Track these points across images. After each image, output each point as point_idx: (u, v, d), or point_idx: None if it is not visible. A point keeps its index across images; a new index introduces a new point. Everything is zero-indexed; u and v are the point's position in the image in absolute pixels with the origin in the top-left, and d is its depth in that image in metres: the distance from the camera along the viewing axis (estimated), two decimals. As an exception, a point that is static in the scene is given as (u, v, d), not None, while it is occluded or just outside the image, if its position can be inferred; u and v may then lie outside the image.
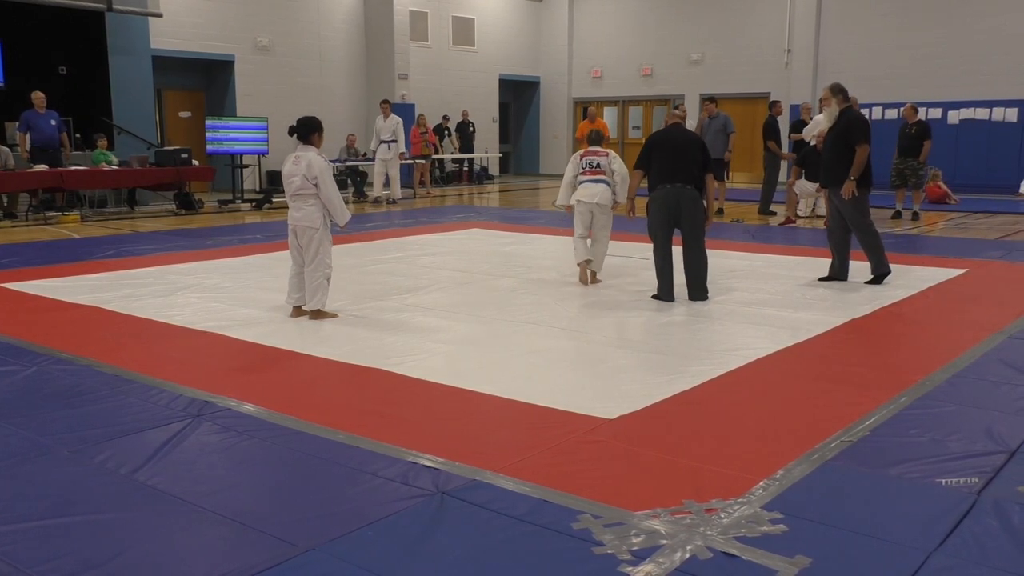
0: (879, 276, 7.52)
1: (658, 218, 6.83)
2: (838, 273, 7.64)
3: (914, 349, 5.49)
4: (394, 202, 15.75)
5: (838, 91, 7.49)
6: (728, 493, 3.20)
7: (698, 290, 6.85)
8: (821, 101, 11.58)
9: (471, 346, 5.47)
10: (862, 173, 7.29)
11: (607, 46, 22.62)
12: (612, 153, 7.81)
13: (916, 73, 17.87)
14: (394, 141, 15.55)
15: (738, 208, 13.79)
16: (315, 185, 6.03)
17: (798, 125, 13.40)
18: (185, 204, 13.78)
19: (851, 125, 7.33)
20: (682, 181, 6.74)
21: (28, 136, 12.75)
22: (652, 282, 7.15)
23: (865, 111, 14.53)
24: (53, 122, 12.97)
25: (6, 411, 4.18)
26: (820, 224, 11.93)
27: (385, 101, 15.99)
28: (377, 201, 15.81)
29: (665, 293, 6.81)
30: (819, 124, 11.93)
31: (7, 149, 12.63)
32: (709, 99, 13.65)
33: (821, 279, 7.68)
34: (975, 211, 14.05)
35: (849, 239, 7.63)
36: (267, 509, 3.12)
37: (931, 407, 4.22)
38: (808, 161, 11.64)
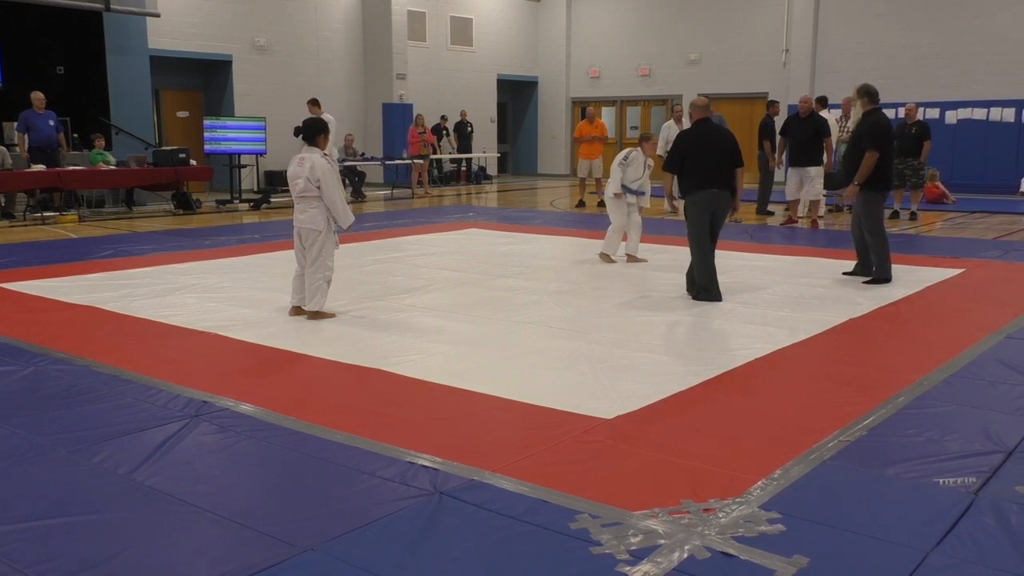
0: (878, 280, 7.55)
1: (702, 222, 6.84)
2: (860, 271, 7.78)
3: (912, 349, 5.49)
4: None
5: (864, 93, 7.47)
6: (726, 493, 3.21)
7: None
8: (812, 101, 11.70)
9: (469, 346, 5.47)
10: (878, 177, 7.34)
11: (605, 46, 22.62)
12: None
13: (914, 73, 17.89)
14: None
15: (736, 208, 13.78)
16: (318, 187, 6.02)
17: None
18: (183, 204, 13.77)
19: (866, 130, 7.34)
20: (719, 185, 6.80)
21: (27, 136, 12.74)
22: (651, 282, 7.19)
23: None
24: (52, 122, 12.97)
25: (4, 411, 4.17)
26: (819, 224, 11.97)
27: (312, 100, 14.04)
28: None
29: (716, 293, 6.80)
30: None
31: (4, 149, 12.62)
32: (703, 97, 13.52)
33: (845, 273, 7.84)
34: (973, 211, 14.06)
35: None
36: (265, 509, 3.12)
37: (929, 407, 4.22)
38: (790, 130, 11.91)
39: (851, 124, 11.10)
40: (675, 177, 7.03)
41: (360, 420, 4.06)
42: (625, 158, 8.45)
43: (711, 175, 6.78)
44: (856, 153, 7.41)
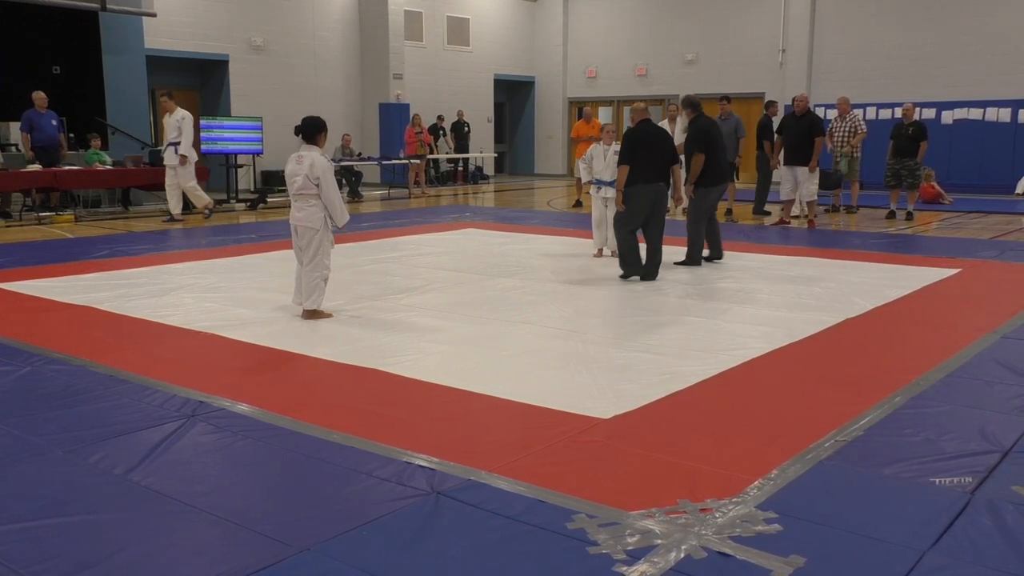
0: (684, 263, 8.42)
1: (637, 212, 7.65)
2: (713, 254, 8.71)
3: (908, 349, 5.50)
4: (171, 218, 12.53)
5: (687, 104, 8.60)
6: (723, 493, 3.21)
7: (653, 272, 7.72)
8: (624, 109, 12.03)
9: (466, 346, 5.47)
10: (704, 175, 8.27)
11: (602, 46, 22.64)
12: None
13: (910, 73, 17.92)
14: (179, 142, 12.31)
15: (734, 208, 13.78)
16: (317, 186, 6.02)
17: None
18: (179, 204, 13.73)
19: (692, 136, 8.43)
20: (659, 179, 7.66)
21: (30, 136, 12.71)
22: (647, 283, 7.22)
23: (859, 111, 14.54)
24: (54, 122, 12.97)
25: (0, 411, 4.17)
26: (815, 224, 11.98)
27: (166, 93, 12.80)
28: (173, 219, 12.49)
29: (633, 270, 7.69)
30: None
31: (-4, 148, 12.62)
32: (723, 98, 13.32)
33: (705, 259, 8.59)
34: (969, 211, 14.08)
35: (714, 227, 8.71)
36: (262, 509, 3.12)
37: (925, 407, 4.23)
38: (784, 128, 12.12)
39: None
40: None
41: (357, 420, 4.06)
42: (588, 156, 9.14)
43: (654, 170, 7.60)
44: (688, 156, 8.38)
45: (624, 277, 7.72)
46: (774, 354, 5.26)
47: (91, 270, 8.20)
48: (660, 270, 7.82)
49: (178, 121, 12.31)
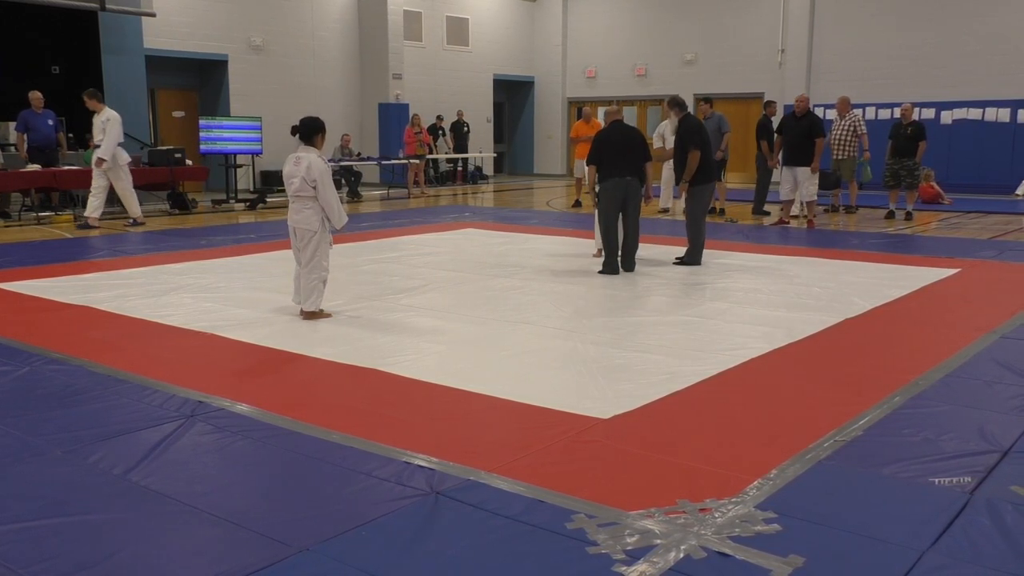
0: (684, 262, 8.47)
1: (609, 206, 8.05)
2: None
3: (907, 349, 5.50)
4: (133, 223, 11.83)
5: (673, 104, 8.81)
6: (722, 493, 3.21)
7: (630, 262, 8.09)
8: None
9: (465, 346, 5.47)
10: (701, 172, 8.41)
11: (601, 46, 22.65)
12: None
13: (909, 73, 17.93)
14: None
15: (732, 208, 13.80)
16: (314, 187, 6.01)
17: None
18: (178, 204, 13.74)
19: (684, 134, 8.52)
20: (627, 174, 7.98)
21: (26, 136, 12.69)
22: (647, 282, 7.22)
23: (858, 111, 14.54)
24: (51, 121, 12.94)
25: (0, 411, 4.17)
26: (815, 224, 11.98)
27: (90, 92, 11.80)
28: (86, 226, 11.45)
29: (612, 268, 8.00)
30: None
31: (-7, 148, 12.56)
32: (704, 100, 13.42)
33: (677, 259, 8.59)
34: (968, 211, 14.09)
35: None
36: (261, 509, 3.12)
37: (924, 407, 4.23)
38: (785, 129, 12.14)
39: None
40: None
41: (356, 420, 4.06)
42: None
43: (623, 166, 7.97)
44: (681, 154, 8.49)
45: (602, 272, 8.01)
46: (773, 354, 5.26)
47: (90, 270, 8.20)
48: (660, 270, 7.83)
49: (103, 122, 11.46)
